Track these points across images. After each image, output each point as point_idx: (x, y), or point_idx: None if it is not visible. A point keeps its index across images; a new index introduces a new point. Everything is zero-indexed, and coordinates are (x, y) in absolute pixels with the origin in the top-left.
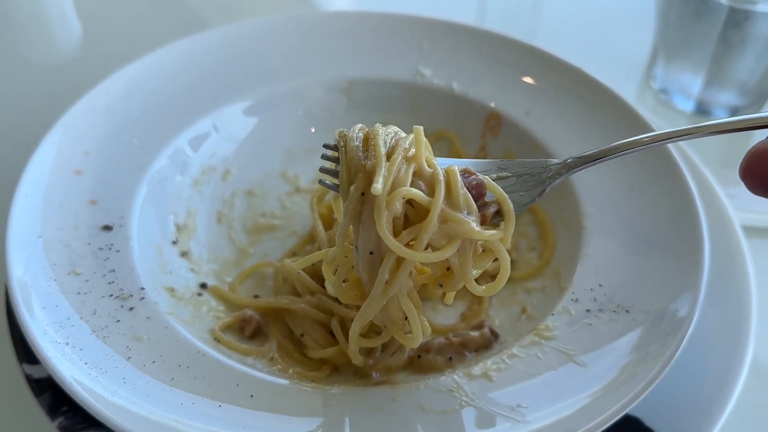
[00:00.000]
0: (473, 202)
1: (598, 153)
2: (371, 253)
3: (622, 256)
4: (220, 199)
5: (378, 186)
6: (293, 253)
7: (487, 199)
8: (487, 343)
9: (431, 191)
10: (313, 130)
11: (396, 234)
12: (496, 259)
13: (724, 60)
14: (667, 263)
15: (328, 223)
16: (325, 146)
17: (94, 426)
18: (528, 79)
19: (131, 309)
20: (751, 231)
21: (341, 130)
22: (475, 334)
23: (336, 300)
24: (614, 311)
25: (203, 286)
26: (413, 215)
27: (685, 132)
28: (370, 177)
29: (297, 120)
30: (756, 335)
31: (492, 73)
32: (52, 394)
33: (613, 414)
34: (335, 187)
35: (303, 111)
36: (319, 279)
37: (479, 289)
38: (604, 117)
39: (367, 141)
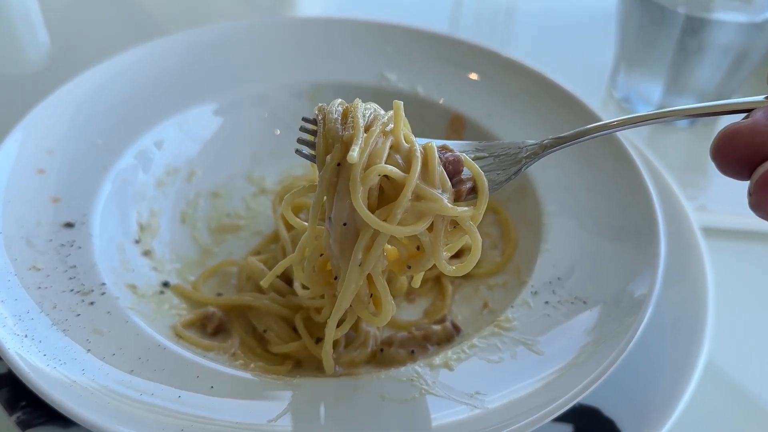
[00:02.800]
0: (448, 180)
1: (573, 135)
2: (345, 224)
3: (580, 249)
4: (184, 200)
5: (354, 155)
6: (257, 252)
7: (463, 176)
8: (449, 337)
9: (407, 166)
10: (278, 133)
11: (370, 209)
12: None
13: (683, 67)
14: (624, 255)
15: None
16: (304, 119)
17: (53, 420)
18: (490, 83)
19: (92, 303)
20: (710, 232)
21: (321, 104)
22: (437, 327)
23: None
24: (572, 302)
25: (165, 284)
26: (388, 188)
27: (657, 115)
28: (347, 147)
29: (262, 123)
30: (712, 331)
31: (455, 78)
32: (10, 390)
33: (570, 398)
34: (312, 158)
35: (268, 114)
36: (284, 278)
37: (449, 269)
38: (563, 117)
39: (346, 116)
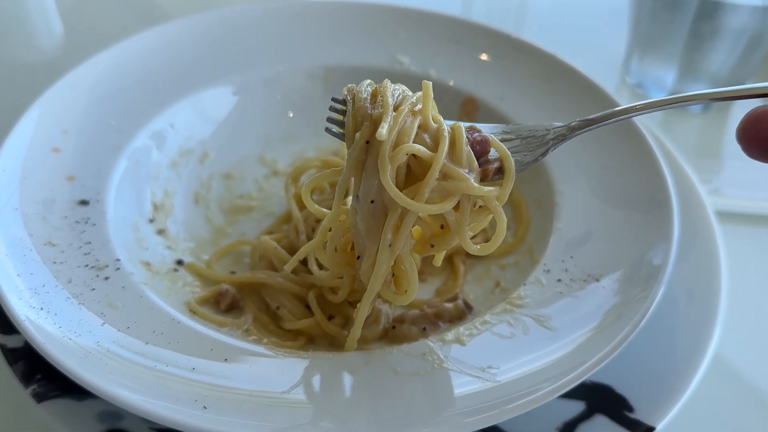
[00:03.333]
0: (475, 160)
1: (601, 117)
2: (372, 201)
3: (592, 228)
4: (197, 181)
5: (383, 131)
6: (270, 232)
7: (490, 157)
8: (461, 314)
9: (435, 145)
10: (291, 115)
11: (398, 187)
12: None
13: (697, 52)
14: (637, 232)
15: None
16: (334, 99)
17: (69, 392)
18: (502, 65)
19: (106, 278)
20: (724, 216)
21: (350, 85)
22: (449, 305)
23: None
24: (584, 280)
25: (179, 262)
26: (416, 167)
27: (682, 99)
28: (375, 125)
29: (275, 105)
30: (724, 313)
31: (468, 60)
32: (26, 363)
33: (582, 373)
34: (341, 135)
35: (281, 96)
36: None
37: (474, 248)
38: (576, 100)
39: (375, 96)
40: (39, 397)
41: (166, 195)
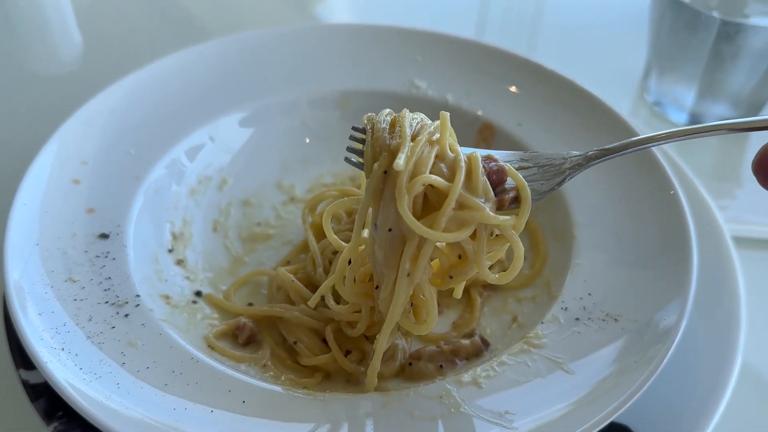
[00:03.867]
0: (491, 190)
1: (619, 146)
2: (390, 230)
3: (611, 265)
4: (216, 209)
5: (400, 162)
6: (287, 262)
7: (506, 186)
8: (478, 351)
9: (452, 175)
10: (307, 141)
11: (415, 216)
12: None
13: (717, 72)
14: (656, 273)
15: (321, 233)
16: (354, 128)
17: (89, 431)
18: (520, 91)
19: (126, 316)
20: (742, 242)
21: (369, 114)
22: (466, 342)
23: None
24: (603, 320)
25: (198, 294)
26: (433, 196)
27: (705, 129)
28: (393, 155)
29: (292, 131)
30: (745, 344)
31: (485, 86)
32: (47, 400)
33: (600, 420)
34: (360, 165)
35: (298, 122)
36: (314, 288)
37: (492, 277)
38: (595, 127)
39: (394, 125)
40: None
41: (185, 224)
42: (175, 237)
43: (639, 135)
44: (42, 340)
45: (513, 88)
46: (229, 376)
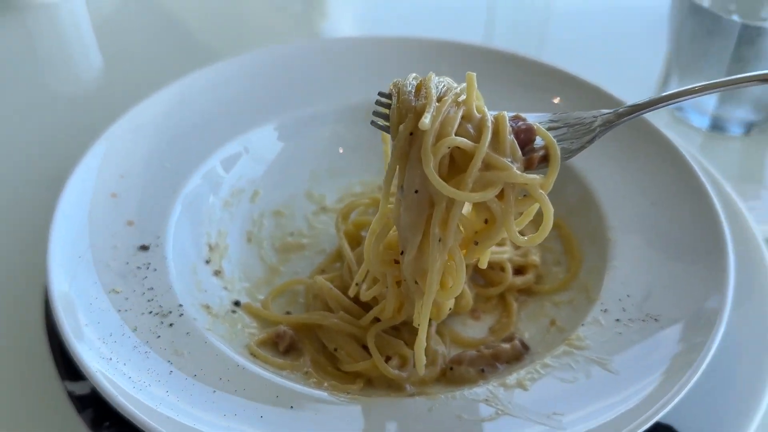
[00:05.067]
0: (518, 149)
1: (650, 102)
2: (416, 191)
3: (648, 267)
4: (249, 220)
5: (426, 121)
6: (322, 270)
7: (535, 145)
8: (518, 355)
9: (478, 135)
10: (341, 151)
11: (441, 177)
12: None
13: None
14: (693, 272)
15: (355, 241)
16: (380, 94)
17: None
18: (554, 99)
19: (171, 325)
20: None
21: (396, 79)
22: (506, 346)
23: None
24: (643, 320)
25: (236, 303)
26: (459, 157)
27: (738, 80)
28: (419, 116)
29: (322, 142)
30: None
31: (511, 93)
32: (94, 410)
33: (647, 418)
34: (386, 128)
35: (329, 133)
36: (354, 298)
37: (521, 239)
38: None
39: (420, 89)
40: None
41: (221, 235)
42: (211, 248)
43: (664, 136)
44: (91, 350)
45: (538, 96)
46: (276, 382)
